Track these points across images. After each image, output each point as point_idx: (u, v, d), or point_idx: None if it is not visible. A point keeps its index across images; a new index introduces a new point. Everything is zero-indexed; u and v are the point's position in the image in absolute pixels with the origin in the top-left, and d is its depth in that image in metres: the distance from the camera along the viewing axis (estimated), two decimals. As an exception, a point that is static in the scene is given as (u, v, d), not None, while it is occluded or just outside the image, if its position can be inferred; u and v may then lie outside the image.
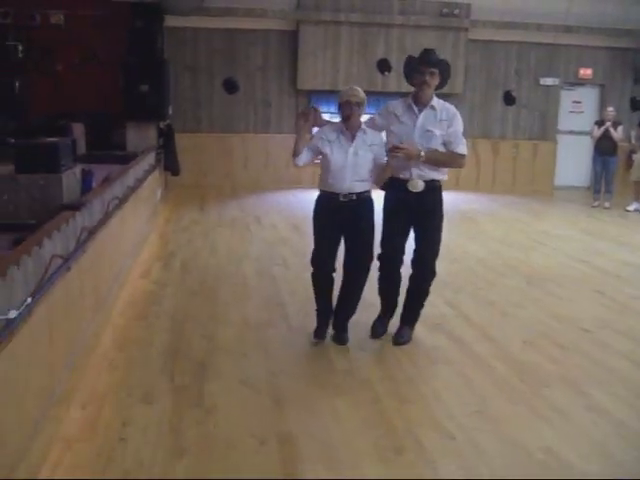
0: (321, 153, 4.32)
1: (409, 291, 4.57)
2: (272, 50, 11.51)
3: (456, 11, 11.43)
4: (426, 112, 4.26)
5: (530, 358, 4.36)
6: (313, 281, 4.48)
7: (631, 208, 10.63)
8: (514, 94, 12.18)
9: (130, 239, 6.53)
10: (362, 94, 4.24)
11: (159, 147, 10.22)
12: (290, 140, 10.87)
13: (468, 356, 4.37)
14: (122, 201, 6.17)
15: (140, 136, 10.05)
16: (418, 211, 4.31)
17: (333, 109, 11.65)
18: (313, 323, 4.55)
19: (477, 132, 12.34)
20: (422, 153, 4.15)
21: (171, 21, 10.84)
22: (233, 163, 11.70)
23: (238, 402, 3.64)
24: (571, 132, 12.79)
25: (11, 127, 8.40)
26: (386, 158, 4.28)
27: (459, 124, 4.30)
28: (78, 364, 3.94)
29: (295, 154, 4.35)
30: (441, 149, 4.27)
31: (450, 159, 4.30)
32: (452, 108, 4.31)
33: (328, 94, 11.34)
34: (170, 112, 10.47)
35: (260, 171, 11.71)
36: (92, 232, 4.69)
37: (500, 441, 3.28)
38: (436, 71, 4.18)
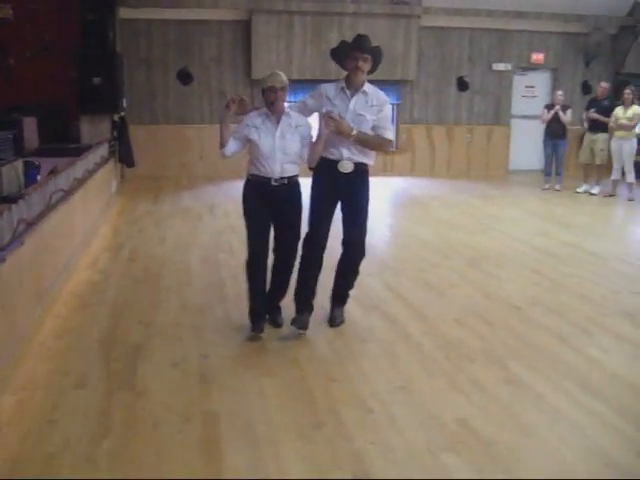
0: (249, 140, 4.34)
1: (339, 272, 4.66)
2: (226, 41, 11.56)
3: (407, -2, 11.57)
4: (358, 96, 4.35)
5: (458, 335, 4.52)
6: (248, 271, 4.47)
7: (581, 190, 10.89)
8: (467, 80, 12.45)
9: (79, 230, 6.59)
10: (285, 79, 4.28)
11: (113, 139, 10.24)
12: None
13: (399, 335, 4.52)
14: (68, 193, 6.24)
15: (94, 129, 10.03)
16: (347, 192, 4.42)
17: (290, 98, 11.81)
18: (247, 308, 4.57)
19: (431, 118, 12.53)
20: (354, 132, 4.25)
21: (125, 13, 10.84)
22: (189, 154, 11.76)
23: (167, 384, 3.75)
24: (524, 116, 13.02)
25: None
26: (314, 138, 4.36)
27: (389, 110, 4.46)
28: (15, 353, 4.02)
29: (221, 145, 4.36)
30: (370, 133, 4.38)
31: (378, 142, 4.42)
32: (383, 94, 4.44)
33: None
34: (124, 104, 10.48)
35: (217, 161, 11.60)
36: (31, 224, 4.76)
37: (416, 413, 3.44)
38: (369, 57, 4.28)
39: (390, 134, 4.50)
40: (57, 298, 5.11)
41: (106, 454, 3.05)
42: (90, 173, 7.70)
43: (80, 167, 7.15)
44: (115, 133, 10.43)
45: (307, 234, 4.49)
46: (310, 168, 4.48)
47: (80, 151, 8.27)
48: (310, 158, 4.38)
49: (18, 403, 3.52)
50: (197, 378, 3.83)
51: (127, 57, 10.96)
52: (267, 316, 4.59)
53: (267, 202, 4.35)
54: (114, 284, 5.60)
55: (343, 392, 3.69)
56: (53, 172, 6.39)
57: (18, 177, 5.46)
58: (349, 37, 4.53)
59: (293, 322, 4.43)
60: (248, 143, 4.38)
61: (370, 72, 4.38)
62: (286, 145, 4.29)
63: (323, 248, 4.52)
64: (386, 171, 12.50)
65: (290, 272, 4.58)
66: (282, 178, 4.31)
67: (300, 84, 11.86)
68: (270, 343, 4.35)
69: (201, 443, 3.15)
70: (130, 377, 3.83)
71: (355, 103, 4.36)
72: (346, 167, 4.36)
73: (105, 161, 9.22)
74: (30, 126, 9.08)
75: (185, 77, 11.53)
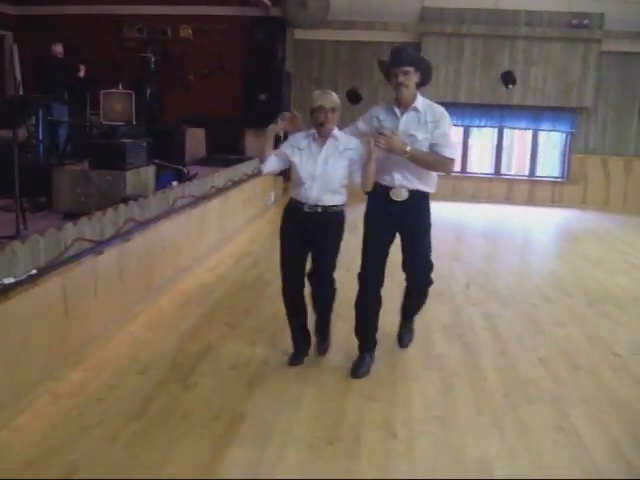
0: (290, 162, 4.06)
1: (405, 294, 4.50)
2: (395, 62, 11.70)
3: (586, 21, 10.95)
4: (408, 115, 3.99)
5: (533, 375, 4.25)
6: (284, 302, 4.25)
7: None
8: (651, 109, 11.51)
9: (211, 235, 7.04)
10: (336, 99, 3.98)
11: (276, 153, 10.77)
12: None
13: (467, 367, 4.34)
14: (201, 199, 6.73)
15: (258, 142, 10.67)
16: (403, 222, 4.09)
17: (454, 121, 11.69)
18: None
19: (609, 149, 11.73)
20: (407, 148, 3.82)
21: (299, 34, 11.42)
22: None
23: (217, 383, 3.94)
24: None
25: (141, 131, 9.31)
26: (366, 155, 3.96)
27: (447, 126, 3.99)
28: (103, 337, 4.45)
29: (261, 160, 4.11)
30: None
31: (437, 161, 3.97)
32: (439, 109, 4.03)
33: (450, 106, 11.35)
34: (290, 120, 11.01)
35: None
36: (142, 224, 5.23)
37: (440, 446, 3.31)
38: (410, 69, 3.89)
39: (450, 152, 3.99)
40: (165, 295, 5.53)
41: (130, 434, 3.30)
42: (235, 183, 8.20)
43: (222, 177, 7.65)
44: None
45: (359, 272, 4.18)
46: (366, 193, 4.12)
47: (239, 162, 8.87)
48: (363, 182, 3.94)
49: (84, 379, 3.90)
50: (246, 381, 3.98)
51: (299, 76, 11.52)
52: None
53: (301, 229, 4.05)
54: (222, 288, 5.93)
55: (376, 413, 3.64)
56: (189, 179, 6.93)
57: (144, 181, 6.02)
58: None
59: (353, 368, 4.15)
60: (289, 164, 4.09)
61: (421, 85, 4.02)
62: (328, 171, 3.94)
63: (378, 282, 4.16)
64: (554, 202, 11.93)
65: (327, 301, 4.27)
66: (316, 206, 3.97)
67: (468, 108, 11.78)
68: (335, 358, 4.38)
69: (215, 439, 3.29)
70: (188, 372, 4.07)
71: (405, 123, 3.98)
72: (399, 194, 4.02)
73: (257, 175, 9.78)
74: (198, 136, 9.89)
75: (354, 97, 11.84)
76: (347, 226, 4.11)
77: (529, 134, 12.18)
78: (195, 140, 9.71)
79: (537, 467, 3.17)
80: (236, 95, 10.47)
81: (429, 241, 4.23)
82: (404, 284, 4.46)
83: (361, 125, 4.19)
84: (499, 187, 12.15)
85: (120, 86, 10.35)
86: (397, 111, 4.02)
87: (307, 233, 4.04)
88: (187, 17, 10.30)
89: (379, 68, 4.13)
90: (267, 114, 10.33)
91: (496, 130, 12.22)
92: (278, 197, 10.71)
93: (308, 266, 4.19)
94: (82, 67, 8.79)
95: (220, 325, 4.93)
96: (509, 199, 12.04)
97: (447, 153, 3.96)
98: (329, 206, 3.99)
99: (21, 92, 10.62)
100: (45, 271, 3.83)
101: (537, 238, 9.70)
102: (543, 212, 11.43)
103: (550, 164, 12.32)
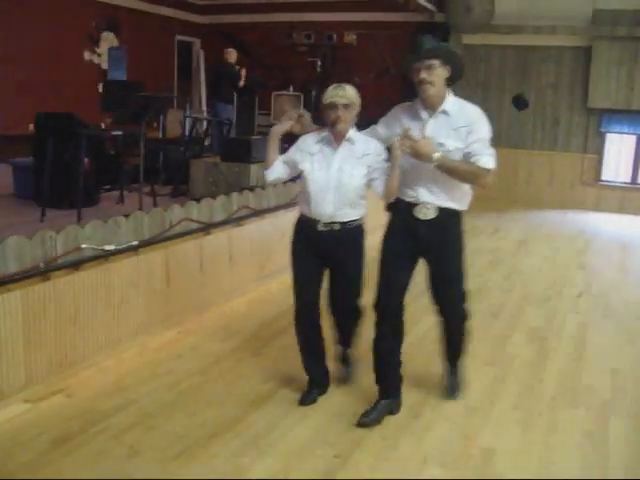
0: (299, 169, 3.52)
1: (441, 335, 3.86)
2: (564, 67, 11.36)
3: None
4: (437, 119, 3.35)
5: (594, 383, 4.18)
6: (295, 328, 3.71)
7: None
8: None
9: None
10: (352, 93, 3.40)
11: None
12: (578, 160, 10.88)
13: (530, 367, 4.37)
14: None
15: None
16: (429, 245, 3.48)
17: (626, 129, 11.11)
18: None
19: None
20: (436, 155, 3.19)
21: (467, 39, 11.49)
22: (515, 178, 11.87)
23: (284, 355, 4.39)
24: None
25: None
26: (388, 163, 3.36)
27: (483, 130, 3.34)
28: (202, 307, 5.04)
29: (266, 166, 3.60)
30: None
31: (470, 172, 3.30)
32: (474, 110, 3.39)
33: (621, 114, 10.89)
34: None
35: (542, 189, 11.70)
36: (257, 213, 5.79)
37: (454, 431, 3.48)
38: (435, 62, 3.24)
39: (487, 161, 3.30)
40: (276, 280, 5.94)
41: (187, 385, 3.86)
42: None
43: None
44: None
45: (374, 303, 3.55)
46: (388, 208, 3.55)
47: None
48: (385, 193, 3.36)
49: (173, 339, 4.55)
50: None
51: (466, 80, 11.55)
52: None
53: (315, 250, 3.54)
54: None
55: (411, 396, 3.82)
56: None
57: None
58: None
59: (363, 413, 3.54)
60: (298, 171, 3.56)
61: (452, 81, 3.37)
62: (343, 181, 3.39)
63: (398, 314, 3.56)
64: None
65: (349, 331, 3.85)
66: (332, 223, 3.44)
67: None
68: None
69: (220, 428, 3.40)
70: (262, 344, 4.53)
71: (433, 128, 3.33)
72: (425, 213, 3.41)
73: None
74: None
75: (520, 102, 11.68)
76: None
77: None
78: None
79: (544, 465, 3.23)
80: (397, 99, 10.81)
81: (460, 266, 3.61)
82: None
83: (381, 129, 3.57)
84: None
85: (291, 88, 11.18)
86: (423, 114, 3.39)
87: (323, 255, 3.54)
88: (351, 23, 10.85)
89: (402, 69, 3.51)
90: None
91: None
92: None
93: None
94: (242, 74, 9.47)
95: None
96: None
97: (483, 163, 3.29)
98: (347, 222, 3.47)
99: (204, 95, 11.83)
100: (147, 243, 4.52)
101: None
102: None
103: None
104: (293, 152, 3.55)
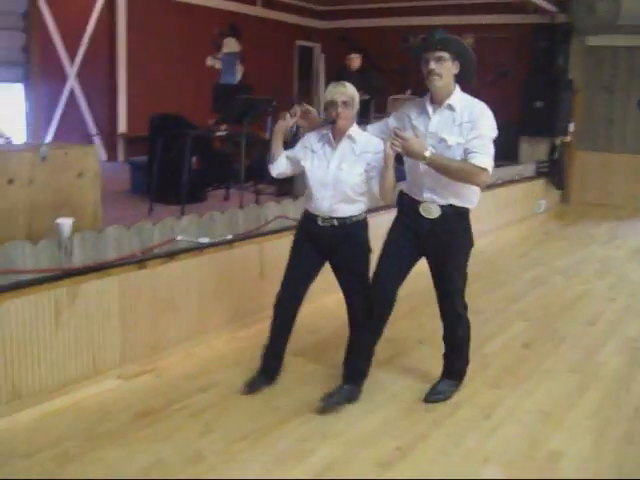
0: (302, 165, 3.61)
1: (444, 339, 3.83)
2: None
3: None
4: (441, 113, 3.35)
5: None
6: (274, 308, 3.82)
7: None
8: None
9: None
10: (352, 91, 3.45)
11: (550, 162, 10.66)
12: None
13: (615, 376, 4.22)
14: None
15: (532, 149, 10.72)
16: (431, 244, 3.48)
17: None
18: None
19: None
20: (427, 153, 3.20)
21: (591, 41, 11.07)
22: (640, 185, 11.30)
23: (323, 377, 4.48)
24: None
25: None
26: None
27: (485, 127, 3.26)
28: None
29: (270, 160, 3.67)
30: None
31: (462, 170, 3.22)
32: (479, 106, 3.32)
33: None
34: (571, 129, 10.82)
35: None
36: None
37: (522, 434, 3.45)
38: (444, 55, 3.23)
39: (482, 160, 3.20)
40: None
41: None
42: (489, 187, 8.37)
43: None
44: (556, 155, 10.82)
45: (371, 281, 3.61)
46: (396, 203, 3.63)
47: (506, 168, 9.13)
48: (381, 192, 3.39)
49: (262, 329, 4.62)
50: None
51: (588, 84, 11.18)
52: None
53: (316, 244, 3.62)
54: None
55: (487, 397, 3.84)
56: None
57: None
58: None
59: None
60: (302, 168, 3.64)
61: (463, 78, 3.35)
62: (341, 178, 3.44)
63: (386, 308, 3.59)
64: None
65: (362, 334, 3.71)
66: (331, 218, 3.51)
67: None
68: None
69: (291, 414, 3.55)
70: (332, 349, 4.38)
71: (437, 123, 3.34)
72: (429, 211, 3.40)
73: (529, 180, 9.88)
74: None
75: (647, 106, 11.13)
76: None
77: None
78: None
79: (613, 474, 3.14)
80: (513, 102, 10.61)
81: (460, 266, 3.56)
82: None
83: (392, 122, 3.60)
84: None
85: (408, 92, 11.24)
86: (429, 109, 3.40)
87: (325, 251, 3.63)
88: (469, 26, 10.71)
89: (410, 55, 3.54)
90: (542, 122, 10.36)
91: None
92: (551, 206, 10.57)
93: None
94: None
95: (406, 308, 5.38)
96: None
97: (478, 161, 3.20)
98: (346, 218, 3.52)
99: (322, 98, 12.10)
100: (242, 237, 4.76)
101: None
102: None
103: None
104: (298, 149, 3.65)
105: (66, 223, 3.67)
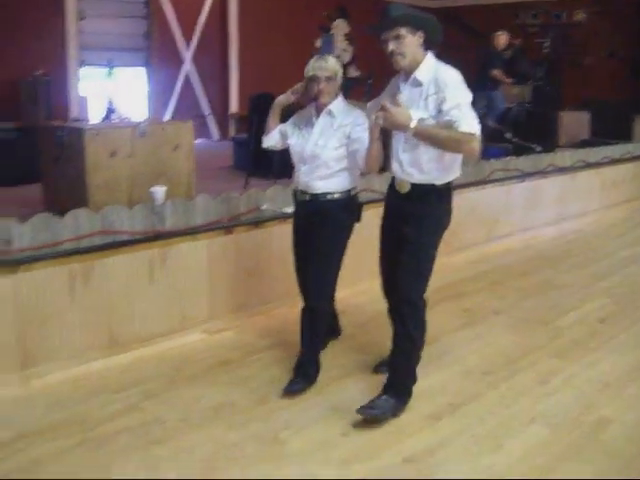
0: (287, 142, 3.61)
1: (392, 339, 3.39)
2: None
3: None
4: (410, 90, 3.15)
5: None
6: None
7: None
8: None
9: (540, 211, 7.34)
10: (333, 65, 3.37)
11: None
12: None
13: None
14: (530, 174, 7.18)
15: (646, 128, 10.32)
16: (403, 221, 3.27)
17: None
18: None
19: None
20: (412, 124, 2.95)
21: None
22: None
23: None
24: None
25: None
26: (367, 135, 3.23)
27: (455, 93, 3.00)
28: (376, 271, 5.38)
29: (265, 133, 3.68)
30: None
31: (451, 138, 2.97)
32: (445, 75, 3.05)
33: None
34: None
35: None
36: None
37: (578, 401, 3.54)
38: (402, 31, 3.04)
39: (469, 125, 2.95)
40: (464, 254, 6.15)
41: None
42: (591, 165, 8.18)
43: (569, 157, 7.85)
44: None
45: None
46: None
47: (615, 147, 8.88)
48: (366, 164, 3.30)
49: (343, 297, 4.97)
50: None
51: None
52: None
53: (302, 222, 3.62)
54: (517, 259, 6.40)
55: (548, 365, 3.93)
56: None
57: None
58: None
59: (362, 410, 3.25)
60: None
61: (430, 46, 3.15)
62: (316, 153, 3.40)
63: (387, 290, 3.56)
64: None
65: (310, 326, 3.62)
66: (304, 193, 3.51)
67: None
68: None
69: (347, 374, 3.80)
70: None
71: (407, 99, 3.11)
72: (401, 186, 3.26)
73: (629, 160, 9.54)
74: (581, 120, 10.15)
75: None
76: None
77: None
78: (576, 123, 9.98)
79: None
80: (626, 79, 10.27)
81: (422, 252, 3.27)
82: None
83: (383, 96, 3.40)
84: None
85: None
86: (401, 85, 3.23)
87: (307, 229, 3.57)
88: (581, 2, 10.44)
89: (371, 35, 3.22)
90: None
91: None
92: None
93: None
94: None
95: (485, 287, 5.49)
96: None
97: (465, 128, 2.95)
98: (320, 194, 3.46)
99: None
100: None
101: None
102: None
103: None
104: (288, 124, 3.62)
105: (159, 191, 4.10)
